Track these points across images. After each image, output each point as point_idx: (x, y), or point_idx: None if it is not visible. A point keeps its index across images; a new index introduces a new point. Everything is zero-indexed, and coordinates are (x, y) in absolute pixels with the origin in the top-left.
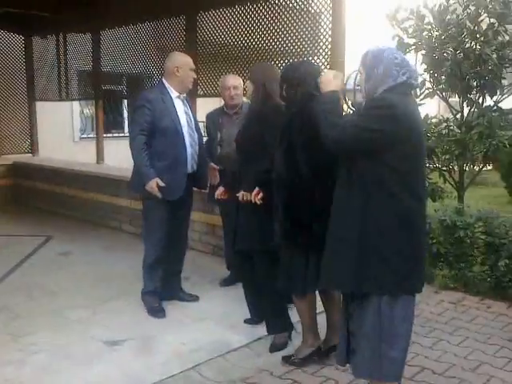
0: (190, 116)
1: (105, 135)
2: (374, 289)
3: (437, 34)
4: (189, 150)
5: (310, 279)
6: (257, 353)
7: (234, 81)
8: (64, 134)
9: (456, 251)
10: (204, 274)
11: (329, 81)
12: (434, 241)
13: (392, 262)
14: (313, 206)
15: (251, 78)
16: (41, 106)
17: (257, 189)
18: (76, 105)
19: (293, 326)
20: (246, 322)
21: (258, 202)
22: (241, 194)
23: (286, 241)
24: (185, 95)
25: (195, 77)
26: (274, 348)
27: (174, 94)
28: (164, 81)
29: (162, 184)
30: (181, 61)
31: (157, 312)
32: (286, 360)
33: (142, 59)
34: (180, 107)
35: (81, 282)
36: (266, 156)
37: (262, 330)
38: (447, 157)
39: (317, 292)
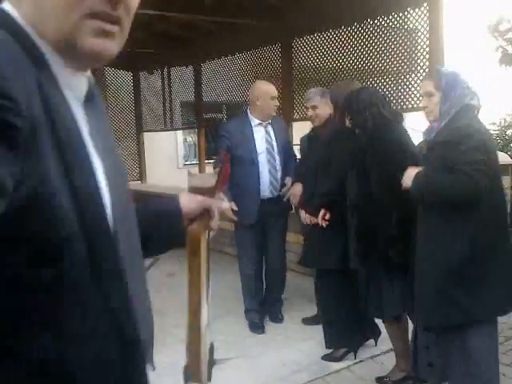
0: (273, 142)
1: (207, 161)
2: None
3: None
4: (266, 177)
5: (397, 304)
6: (357, 376)
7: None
8: (169, 161)
9: None
10: (301, 295)
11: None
12: None
13: None
14: (387, 232)
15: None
16: (148, 136)
17: (323, 211)
18: (179, 134)
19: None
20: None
21: (324, 225)
22: (307, 217)
23: (362, 267)
24: (269, 121)
25: (277, 104)
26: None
27: (254, 122)
28: (248, 110)
29: (235, 208)
30: (261, 90)
31: (257, 328)
32: (379, 380)
33: (240, 88)
34: (260, 135)
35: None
36: (330, 178)
37: (362, 352)
38: None
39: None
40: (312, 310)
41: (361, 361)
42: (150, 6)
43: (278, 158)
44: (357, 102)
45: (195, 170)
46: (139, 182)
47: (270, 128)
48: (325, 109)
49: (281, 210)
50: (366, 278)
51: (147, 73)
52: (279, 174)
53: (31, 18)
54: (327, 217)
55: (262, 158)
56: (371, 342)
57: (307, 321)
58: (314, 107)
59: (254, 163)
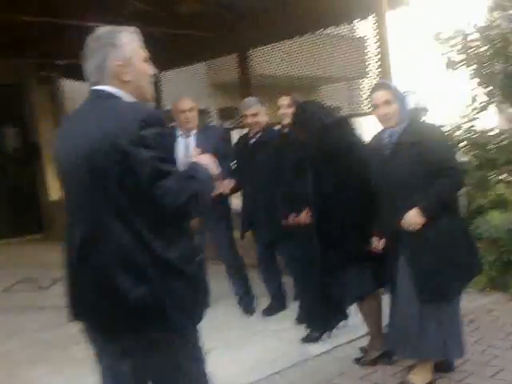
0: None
1: None
2: None
3: (484, 49)
4: None
5: (359, 286)
6: (336, 358)
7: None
8: None
9: None
10: None
11: None
12: (504, 248)
13: None
14: (341, 226)
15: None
16: None
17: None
18: None
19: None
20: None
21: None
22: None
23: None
24: (193, 132)
25: (187, 117)
26: (305, 340)
27: (178, 133)
28: None
29: None
30: (173, 107)
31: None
32: (357, 361)
33: (199, 96)
34: (180, 146)
35: None
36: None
37: (341, 338)
38: (510, 167)
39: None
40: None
41: (339, 345)
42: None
43: None
44: (303, 114)
45: None
46: None
47: (191, 139)
48: (264, 116)
49: (220, 212)
50: (329, 268)
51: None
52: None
53: (131, 91)
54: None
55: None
56: (348, 329)
57: (265, 311)
58: (255, 114)
59: None
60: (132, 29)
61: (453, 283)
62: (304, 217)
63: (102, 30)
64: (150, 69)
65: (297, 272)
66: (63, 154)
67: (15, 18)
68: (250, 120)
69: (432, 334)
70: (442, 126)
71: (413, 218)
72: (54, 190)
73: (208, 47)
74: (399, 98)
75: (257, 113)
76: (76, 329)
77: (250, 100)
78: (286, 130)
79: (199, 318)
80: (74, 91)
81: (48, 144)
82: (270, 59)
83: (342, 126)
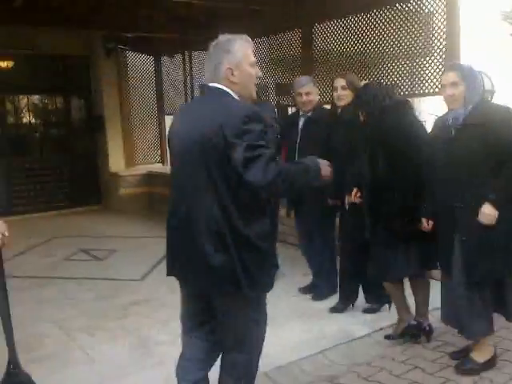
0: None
1: None
2: None
3: None
4: None
5: (400, 267)
6: (378, 341)
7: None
8: None
9: None
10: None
11: None
12: None
13: None
14: (391, 208)
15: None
16: (170, 120)
17: (355, 190)
18: None
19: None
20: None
21: (358, 202)
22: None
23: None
24: None
25: None
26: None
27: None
28: None
29: None
30: None
31: None
32: (388, 337)
33: (265, 71)
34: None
35: None
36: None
37: (383, 321)
38: None
39: None
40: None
41: (380, 329)
42: None
43: None
44: (365, 96)
45: None
46: (161, 164)
47: None
48: (316, 95)
49: None
50: (373, 246)
51: (168, 57)
52: None
53: (238, 91)
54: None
55: None
56: (391, 313)
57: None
58: (308, 93)
59: None
60: (245, 37)
61: (503, 268)
62: (354, 196)
63: (221, 38)
64: (256, 72)
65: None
66: (177, 137)
67: None
68: (303, 98)
69: (480, 314)
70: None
71: (488, 213)
72: (115, 163)
73: (272, 22)
74: (468, 79)
75: (310, 92)
76: (128, 300)
77: (304, 78)
78: (339, 110)
79: (265, 286)
80: (139, 64)
81: (112, 117)
82: (334, 35)
83: (400, 109)
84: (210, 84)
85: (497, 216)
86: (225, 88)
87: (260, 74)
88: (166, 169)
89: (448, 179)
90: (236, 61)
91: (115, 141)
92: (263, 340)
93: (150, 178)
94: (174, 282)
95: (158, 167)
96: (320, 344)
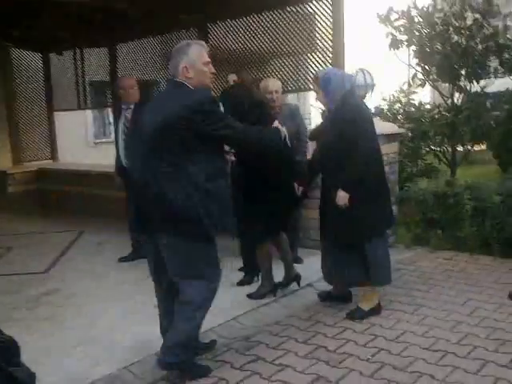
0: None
1: None
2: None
3: (426, 31)
4: None
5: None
6: (283, 305)
7: (274, 85)
8: (80, 140)
9: (447, 216)
10: None
11: None
12: (429, 209)
13: None
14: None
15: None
16: (58, 116)
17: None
18: (89, 113)
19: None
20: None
21: None
22: None
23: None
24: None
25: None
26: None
27: None
28: None
29: None
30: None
31: None
32: (249, 296)
33: (157, 68)
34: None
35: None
36: None
37: (287, 289)
38: (439, 139)
39: None
40: None
41: (284, 295)
42: None
43: None
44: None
45: (106, 148)
46: (51, 160)
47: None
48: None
49: None
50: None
51: (56, 54)
52: None
53: (193, 83)
54: None
55: None
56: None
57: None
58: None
59: None
60: (201, 42)
61: (363, 231)
62: None
63: (182, 43)
64: (209, 69)
65: None
66: (144, 121)
67: None
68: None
69: (356, 265)
70: (364, 109)
71: (342, 197)
72: (1, 159)
73: (167, 21)
74: (322, 87)
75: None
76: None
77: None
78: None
79: (222, 226)
80: (25, 61)
81: None
82: (228, 34)
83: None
84: (173, 78)
85: (348, 197)
86: (182, 81)
87: (213, 70)
88: (57, 165)
89: (323, 164)
90: (190, 61)
91: (1, 138)
92: (213, 281)
93: (41, 174)
94: (80, 272)
95: (48, 163)
96: (233, 312)
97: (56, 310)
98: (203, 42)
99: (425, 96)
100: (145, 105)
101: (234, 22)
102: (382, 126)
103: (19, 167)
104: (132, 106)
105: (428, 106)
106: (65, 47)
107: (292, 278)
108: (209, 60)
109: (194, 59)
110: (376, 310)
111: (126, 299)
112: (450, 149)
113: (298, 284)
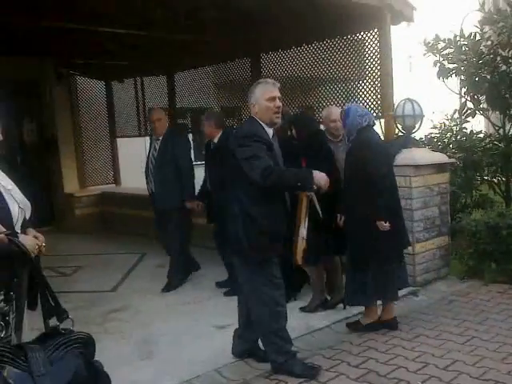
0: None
1: None
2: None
3: (473, 59)
4: None
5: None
6: (336, 331)
7: (336, 113)
8: (141, 165)
9: (500, 249)
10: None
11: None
12: (481, 241)
13: None
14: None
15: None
16: (121, 142)
17: None
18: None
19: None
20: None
21: None
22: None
23: None
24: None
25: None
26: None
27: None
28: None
29: None
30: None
31: None
32: (302, 309)
33: (211, 96)
34: None
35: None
36: None
37: (339, 314)
38: (492, 169)
39: None
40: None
41: (338, 321)
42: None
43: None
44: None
45: None
46: (114, 185)
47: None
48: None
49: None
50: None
51: (118, 82)
52: None
53: (260, 117)
54: None
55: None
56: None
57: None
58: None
59: None
60: (268, 80)
61: (373, 255)
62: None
63: (254, 84)
64: (274, 104)
65: None
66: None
67: (38, 23)
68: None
69: (367, 288)
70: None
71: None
72: (69, 185)
73: (222, 51)
74: (342, 119)
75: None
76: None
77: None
78: None
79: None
80: (90, 88)
81: (65, 138)
82: (280, 63)
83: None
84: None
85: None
86: (253, 116)
87: (278, 104)
88: (119, 189)
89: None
90: (256, 98)
91: (69, 163)
92: (276, 302)
93: (104, 198)
94: (144, 292)
95: (111, 187)
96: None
97: (124, 325)
98: (269, 80)
99: (478, 125)
100: (176, 132)
101: (285, 52)
102: (431, 156)
103: (85, 191)
104: (160, 138)
105: (481, 135)
106: (125, 75)
107: (340, 299)
108: (273, 96)
109: (258, 96)
110: (375, 325)
111: (188, 317)
112: (504, 179)
113: (344, 306)
